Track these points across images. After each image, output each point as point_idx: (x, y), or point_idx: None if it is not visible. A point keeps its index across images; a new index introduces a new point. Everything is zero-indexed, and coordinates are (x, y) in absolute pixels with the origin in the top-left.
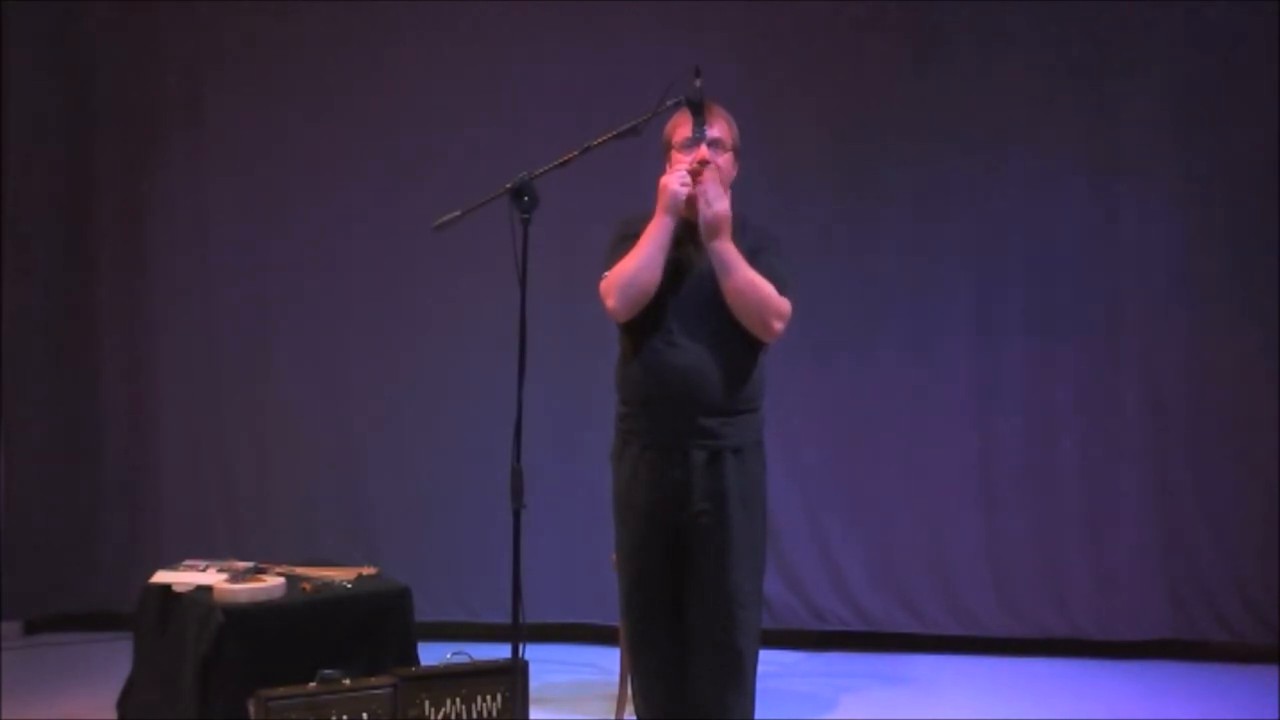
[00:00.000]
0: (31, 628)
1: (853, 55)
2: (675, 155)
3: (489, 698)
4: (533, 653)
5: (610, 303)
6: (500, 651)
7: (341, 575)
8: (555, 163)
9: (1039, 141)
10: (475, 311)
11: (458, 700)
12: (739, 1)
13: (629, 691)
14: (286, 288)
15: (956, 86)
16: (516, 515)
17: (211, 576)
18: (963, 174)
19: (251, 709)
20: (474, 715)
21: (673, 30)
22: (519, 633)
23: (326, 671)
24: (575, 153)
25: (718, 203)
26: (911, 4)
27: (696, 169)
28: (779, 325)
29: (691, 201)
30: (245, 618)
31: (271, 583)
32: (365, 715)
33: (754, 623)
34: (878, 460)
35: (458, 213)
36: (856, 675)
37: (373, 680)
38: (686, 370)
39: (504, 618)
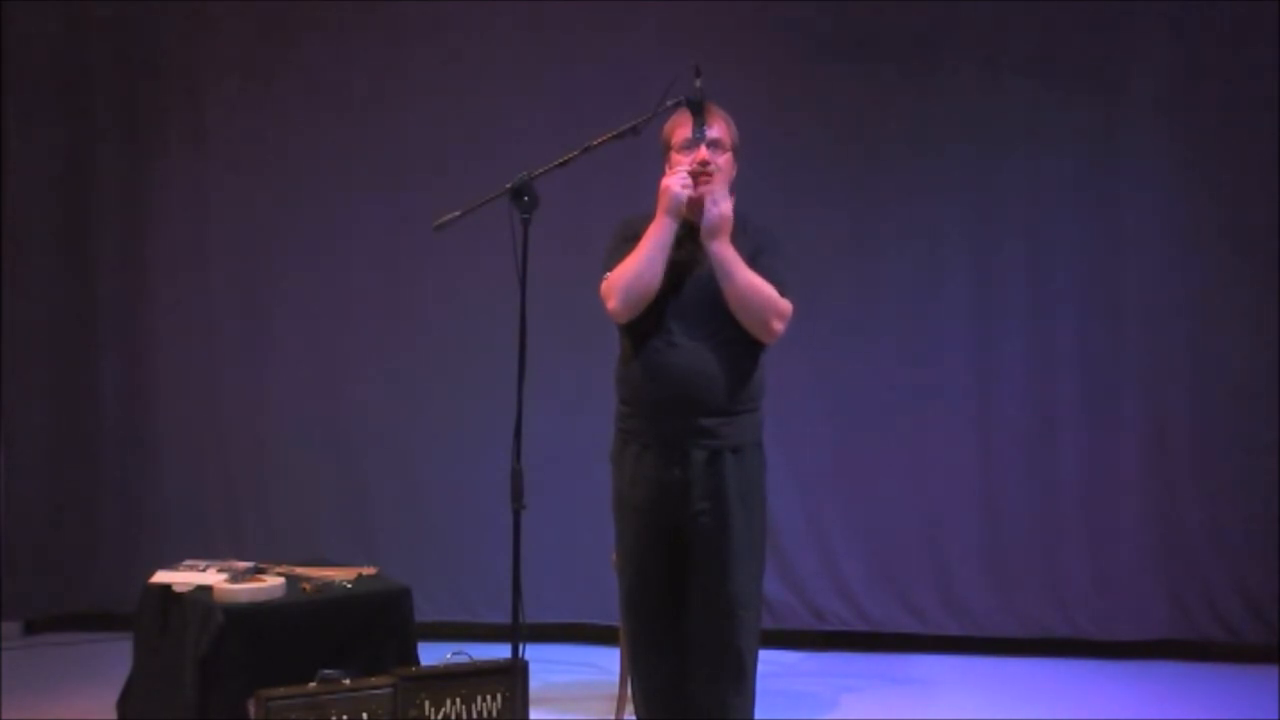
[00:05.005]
0: (31, 628)
1: (853, 56)
2: (675, 156)
3: (489, 698)
4: (533, 653)
5: (611, 304)
6: (500, 651)
7: (341, 575)
8: (555, 163)
9: (1039, 141)
10: (475, 311)
11: (458, 700)
12: (740, 2)
13: (629, 691)
14: (286, 288)
15: (957, 87)
16: (516, 515)
17: (211, 576)
18: (963, 174)
19: (251, 709)
20: (474, 715)
21: (673, 30)
22: (519, 633)
23: (326, 671)
24: (575, 153)
25: (723, 203)
26: (912, 5)
27: (697, 170)
28: (779, 326)
29: (692, 203)
30: (245, 618)
31: (271, 583)
32: (365, 715)
33: (754, 623)
34: (878, 460)
35: (458, 213)
36: (856, 675)
37: (373, 680)
38: (686, 371)
39: (504, 618)
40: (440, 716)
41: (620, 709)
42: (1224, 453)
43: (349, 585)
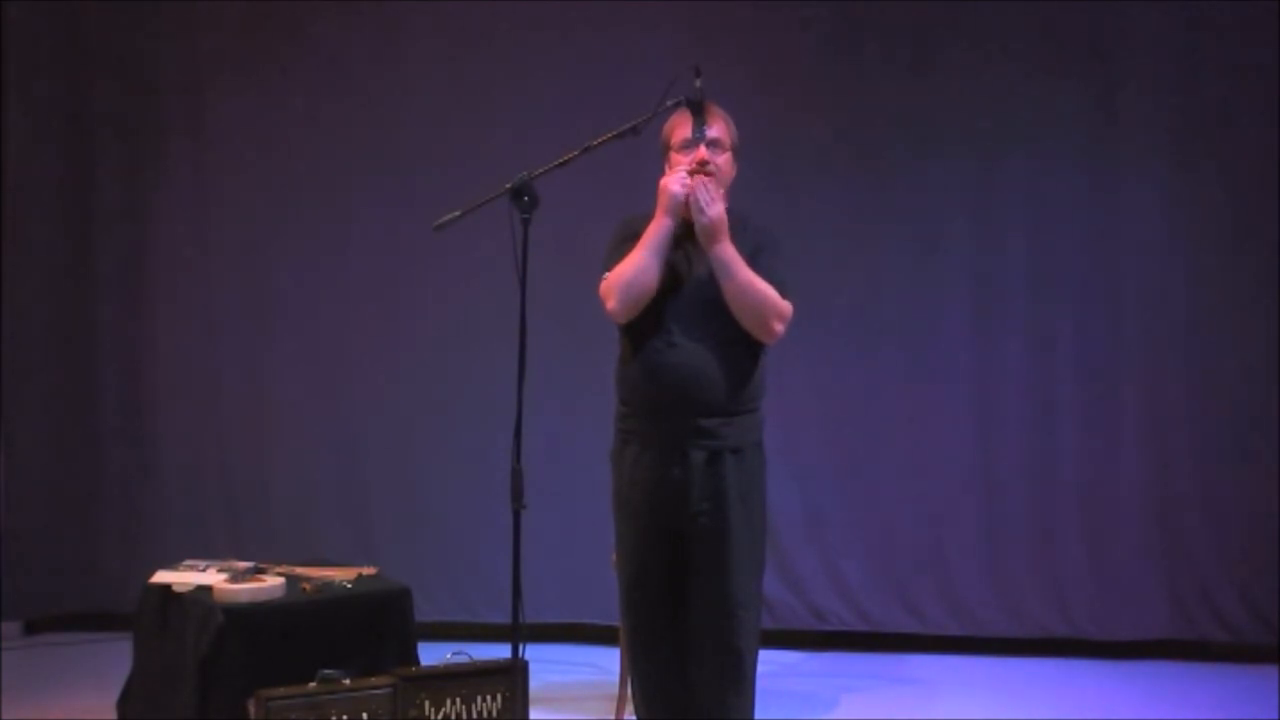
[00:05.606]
0: (31, 628)
1: (853, 55)
2: (674, 156)
3: (489, 698)
4: (533, 653)
5: (610, 304)
6: (500, 651)
7: (341, 575)
8: (555, 163)
9: (1039, 141)
10: (475, 311)
11: (458, 700)
12: (740, 2)
13: (629, 691)
14: (286, 287)
15: (957, 87)
16: (516, 515)
17: (211, 576)
18: (963, 174)
19: (251, 709)
20: (474, 715)
21: (673, 30)
22: (519, 633)
23: (326, 671)
24: (575, 153)
25: (710, 209)
26: (911, 4)
27: (696, 170)
28: (779, 327)
29: (691, 203)
30: (245, 618)
31: (271, 583)
32: (365, 715)
33: (754, 623)
34: (878, 460)
35: (458, 213)
36: (856, 675)
37: (373, 680)
38: (686, 371)
39: (504, 618)
40: (440, 716)
41: (620, 709)
42: (1224, 453)
43: (349, 585)
